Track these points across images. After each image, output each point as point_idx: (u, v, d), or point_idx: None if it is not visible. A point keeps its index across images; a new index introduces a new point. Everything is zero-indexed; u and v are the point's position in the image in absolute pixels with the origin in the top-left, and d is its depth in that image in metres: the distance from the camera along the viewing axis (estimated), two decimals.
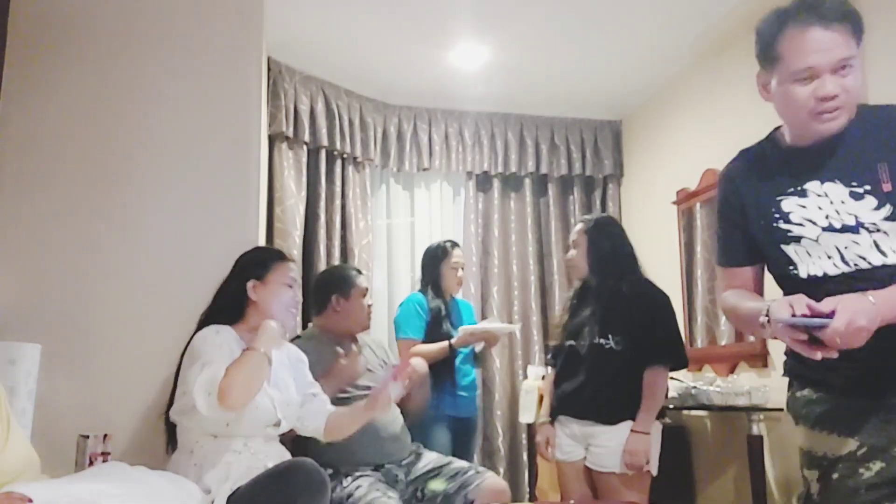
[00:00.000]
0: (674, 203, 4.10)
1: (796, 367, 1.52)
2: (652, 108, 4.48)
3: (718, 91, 3.78)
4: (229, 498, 1.85)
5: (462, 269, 3.21)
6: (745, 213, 1.52)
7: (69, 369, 2.51)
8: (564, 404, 2.58)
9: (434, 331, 3.01)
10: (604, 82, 4.33)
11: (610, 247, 2.62)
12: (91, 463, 2.29)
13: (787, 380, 3.37)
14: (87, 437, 2.33)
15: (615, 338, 2.46)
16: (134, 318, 2.58)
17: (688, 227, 4.00)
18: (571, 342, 2.57)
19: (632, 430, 2.40)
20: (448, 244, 3.23)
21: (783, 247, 1.45)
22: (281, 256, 2.24)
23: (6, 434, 1.72)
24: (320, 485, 1.80)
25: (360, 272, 2.79)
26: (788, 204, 1.45)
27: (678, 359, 2.52)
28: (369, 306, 2.70)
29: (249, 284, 2.12)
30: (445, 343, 2.97)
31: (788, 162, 1.49)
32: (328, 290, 2.68)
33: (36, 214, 2.61)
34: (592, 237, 2.63)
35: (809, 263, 1.43)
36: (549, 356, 2.81)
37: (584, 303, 2.62)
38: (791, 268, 1.45)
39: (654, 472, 2.46)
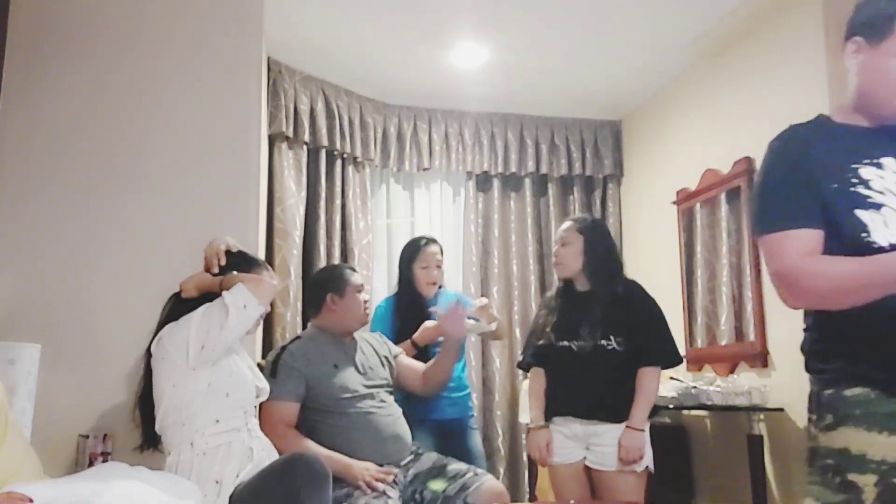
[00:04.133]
0: (674, 203, 4.10)
1: (845, 365, 1.43)
2: (652, 108, 4.48)
3: (718, 91, 3.78)
4: (232, 495, 1.85)
5: (438, 267, 3.03)
6: (814, 175, 1.44)
7: (69, 369, 2.52)
8: (565, 405, 2.56)
9: (413, 332, 2.89)
10: (604, 82, 4.33)
11: (605, 248, 2.65)
12: (91, 463, 2.30)
13: (787, 379, 3.37)
14: (87, 437, 2.34)
15: (616, 339, 2.48)
16: (134, 318, 2.57)
17: (688, 227, 4.00)
18: (565, 343, 2.56)
19: (627, 427, 2.43)
20: (422, 241, 3.07)
21: (858, 212, 1.40)
22: (244, 258, 2.27)
23: (3, 434, 1.72)
24: (323, 476, 1.82)
25: (353, 269, 2.75)
26: (867, 172, 1.42)
27: (675, 357, 2.57)
28: (365, 302, 2.67)
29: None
30: (407, 342, 2.87)
31: (856, 136, 1.47)
32: (323, 289, 2.66)
33: (36, 214, 2.62)
34: (589, 238, 2.62)
35: (887, 233, 1.38)
36: (524, 358, 2.76)
37: (574, 304, 2.61)
38: (864, 234, 1.39)
39: (652, 468, 2.49)
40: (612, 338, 2.48)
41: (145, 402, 2.08)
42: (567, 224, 2.71)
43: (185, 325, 2.02)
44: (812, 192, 1.43)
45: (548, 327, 2.64)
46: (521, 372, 4.39)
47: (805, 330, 1.52)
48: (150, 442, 2.09)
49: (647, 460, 2.46)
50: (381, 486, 2.29)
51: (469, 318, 2.91)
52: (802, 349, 1.52)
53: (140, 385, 2.11)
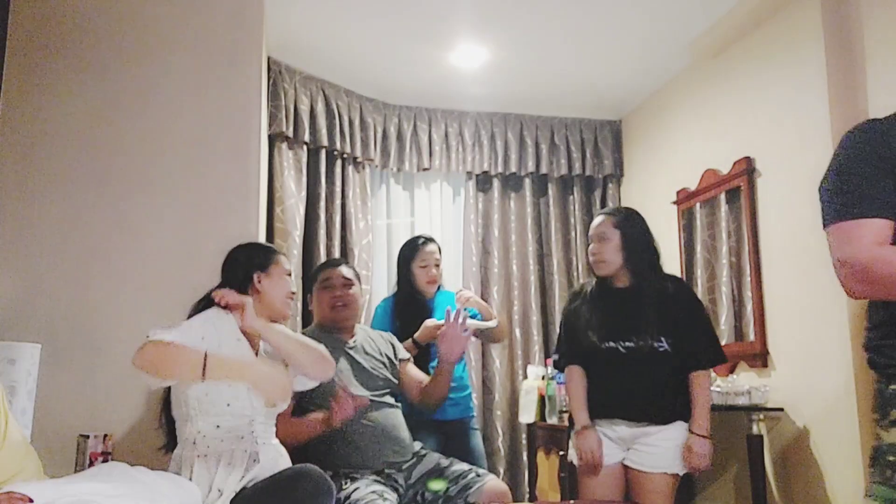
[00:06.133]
0: (674, 203, 4.10)
1: None
2: (652, 108, 4.48)
3: (718, 91, 3.78)
4: (235, 499, 1.85)
5: (436, 265, 3.04)
6: (894, 165, 1.43)
7: (69, 369, 2.52)
8: (612, 408, 2.45)
9: (413, 331, 2.89)
10: (604, 82, 4.33)
11: (645, 241, 2.51)
12: (91, 463, 2.30)
13: (787, 379, 3.37)
14: (87, 437, 2.34)
15: (668, 340, 2.39)
16: (134, 318, 2.59)
17: (688, 227, 4.00)
18: (611, 343, 2.43)
19: (693, 433, 2.36)
20: (420, 240, 3.08)
21: None
22: (276, 249, 2.31)
23: (3, 434, 1.72)
24: (327, 492, 1.82)
25: (333, 263, 2.78)
26: None
27: (723, 357, 2.49)
28: (344, 286, 2.66)
29: (255, 276, 2.15)
30: (408, 341, 2.87)
31: None
32: (307, 287, 2.72)
33: (36, 214, 2.62)
34: (627, 231, 2.48)
35: None
36: (560, 357, 2.63)
37: (617, 302, 2.48)
38: None
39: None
40: (663, 339, 2.38)
41: (168, 406, 2.08)
42: (601, 219, 2.55)
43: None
44: (890, 183, 1.42)
45: (589, 327, 2.49)
46: (520, 372, 4.40)
47: (870, 328, 1.51)
48: (173, 444, 2.08)
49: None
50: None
51: (470, 316, 2.92)
52: (866, 347, 1.51)
53: (165, 388, 2.11)
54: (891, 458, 1.38)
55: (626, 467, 2.44)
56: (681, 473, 2.38)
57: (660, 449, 2.37)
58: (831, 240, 1.46)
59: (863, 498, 1.43)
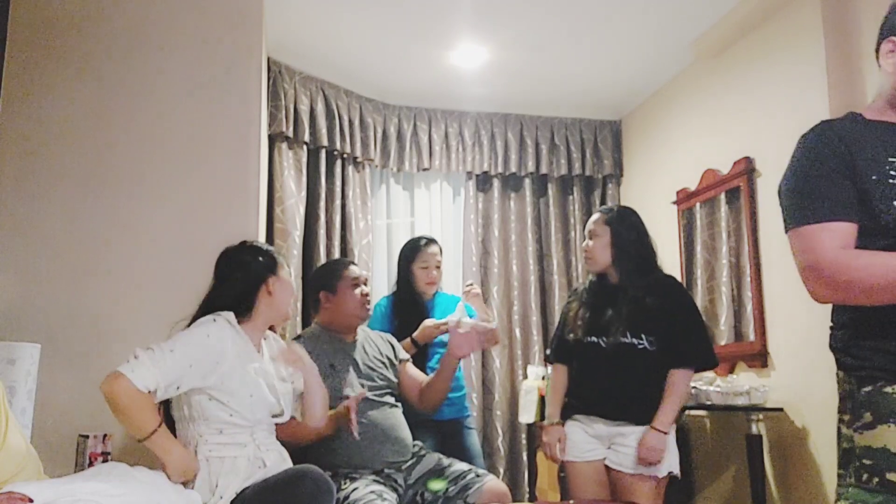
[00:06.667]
0: (674, 203, 4.11)
1: (885, 361, 1.38)
2: (651, 108, 4.48)
3: (718, 91, 3.78)
4: (235, 500, 1.85)
5: (437, 267, 3.03)
6: (853, 167, 1.42)
7: (69, 369, 2.52)
8: (590, 404, 2.46)
9: (412, 331, 2.89)
10: (604, 82, 4.34)
11: (635, 239, 2.50)
12: (91, 463, 2.30)
13: (786, 379, 3.37)
14: (87, 437, 2.34)
15: (649, 338, 2.37)
16: (134, 319, 2.59)
17: (688, 227, 4.00)
18: (593, 339, 2.45)
19: (651, 427, 2.32)
20: (422, 241, 3.07)
21: None
22: (277, 254, 2.24)
23: (3, 432, 1.72)
24: (327, 492, 1.82)
25: (349, 263, 2.70)
26: None
27: (709, 359, 2.46)
28: (364, 295, 2.60)
29: (270, 279, 2.10)
30: (407, 340, 2.85)
31: (892, 132, 1.46)
32: (316, 287, 2.65)
33: (36, 214, 2.62)
34: (616, 229, 2.49)
35: None
36: (550, 351, 2.67)
37: (606, 298, 2.49)
38: None
39: (678, 473, 2.40)
40: (643, 337, 2.37)
41: (168, 404, 2.07)
42: (595, 216, 2.58)
43: (186, 332, 1.99)
44: (850, 184, 1.40)
45: (578, 321, 2.52)
46: (520, 372, 4.40)
47: (835, 328, 1.49)
48: None
49: (671, 465, 2.37)
50: None
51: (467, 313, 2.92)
52: (833, 347, 1.49)
53: None
54: (867, 462, 1.36)
55: (608, 467, 2.43)
56: (661, 476, 2.34)
57: (635, 450, 2.34)
58: (794, 244, 1.45)
59: (834, 502, 1.41)
